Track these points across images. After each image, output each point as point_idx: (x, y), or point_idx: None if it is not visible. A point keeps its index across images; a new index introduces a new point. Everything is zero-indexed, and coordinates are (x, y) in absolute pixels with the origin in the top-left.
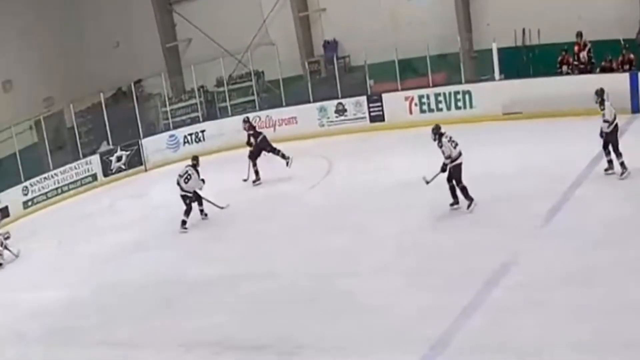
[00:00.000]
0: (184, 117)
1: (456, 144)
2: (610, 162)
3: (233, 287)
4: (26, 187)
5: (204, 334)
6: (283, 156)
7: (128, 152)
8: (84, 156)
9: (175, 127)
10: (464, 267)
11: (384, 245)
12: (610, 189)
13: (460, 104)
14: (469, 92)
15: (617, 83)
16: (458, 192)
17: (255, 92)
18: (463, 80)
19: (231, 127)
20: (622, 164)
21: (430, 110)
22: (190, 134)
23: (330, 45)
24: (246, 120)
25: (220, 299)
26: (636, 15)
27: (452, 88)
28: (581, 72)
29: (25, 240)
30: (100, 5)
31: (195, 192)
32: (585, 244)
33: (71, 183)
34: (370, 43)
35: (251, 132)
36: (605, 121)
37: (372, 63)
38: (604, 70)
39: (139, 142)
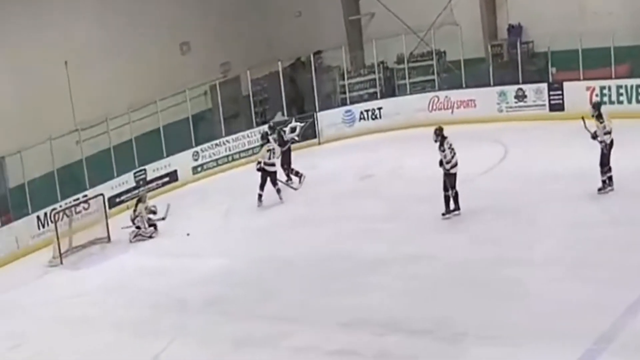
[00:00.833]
0: (361, 92)
1: (455, 153)
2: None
3: (396, 268)
4: (197, 152)
5: (364, 314)
6: (297, 174)
7: (302, 124)
8: (257, 125)
9: (352, 102)
10: (632, 262)
11: (551, 235)
12: None
13: None
14: None
15: None
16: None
17: (435, 72)
18: None
19: (409, 106)
20: (610, 178)
21: (611, 102)
22: (367, 110)
23: (515, 30)
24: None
25: (382, 278)
26: None
27: (636, 81)
28: None
29: (192, 207)
30: None
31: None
32: None
33: (242, 151)
34: (554, 30)
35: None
36: (606, 133)
37: (555, 50)
38: None
39: (314, 115)
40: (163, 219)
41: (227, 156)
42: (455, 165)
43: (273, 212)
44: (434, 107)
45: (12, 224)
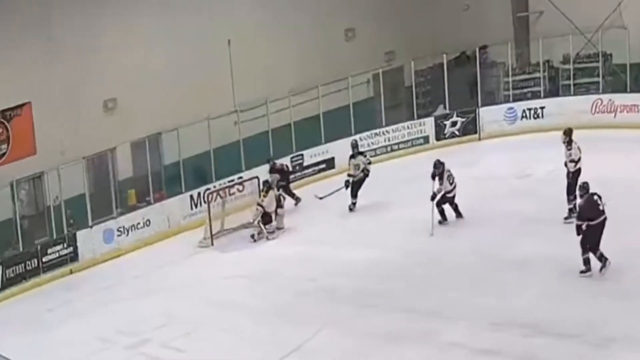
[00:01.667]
0: (524, 90)
1: (453, 179)
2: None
3: (546, 269)
4: (355, 140)
5: (511, 314)
6: (294, 196)
7: (464, 119)
8: (419, 117)
9: (515, 100)
10: None
11: None
12: None
13: None
14: None
15: None
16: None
17: (600, 74)
18: None
19: (571, 107)
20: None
21: None
22: (529, 109)
23: None
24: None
25: (531, 279)
26: None
27: None
28: None
29: (346, 195)
30: None
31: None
32: None
33: (402, 142)
34: None
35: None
36: (571, 161)
37: None
38: None
39: (476, 110)
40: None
41: (386, 146)
42: (450, 191)
43: (426, 206)
44: (597, 109)
45: (165, 201)
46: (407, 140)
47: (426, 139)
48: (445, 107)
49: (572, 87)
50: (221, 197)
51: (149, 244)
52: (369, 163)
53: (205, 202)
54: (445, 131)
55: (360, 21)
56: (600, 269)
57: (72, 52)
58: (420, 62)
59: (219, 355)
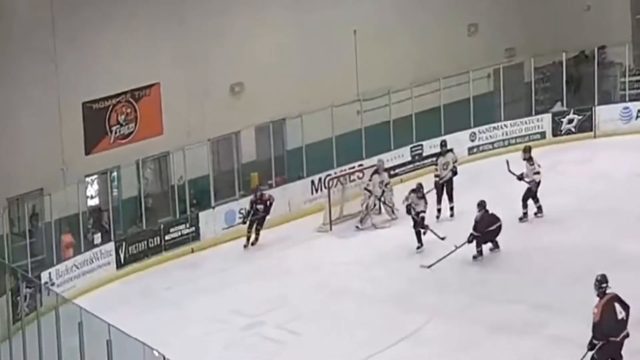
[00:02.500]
0: None
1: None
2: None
3: None
4: (474, 133)
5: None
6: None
7: (580, 117)
8: (537, 113)
9: (630, 100)
10: None
11: None
12: None
13: None
14: None
15: None
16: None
17: None
18: None
19: None
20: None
21: None
22: None
23: None
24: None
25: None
26: None
27: None
28: None
29: (464, 187)
30: None
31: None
32: None
33: (519, 137)
34: None
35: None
36: (536, 173)
37: None
38: None
39: (593, 109)
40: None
41: (504, 140)
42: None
43: (542, 200)
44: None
45: (286, 185)
46: (525, 135)
47: (543, 135)
48: (562, 104)
49: None
50: (341, 184)
51: (269, 227)
52: (456, 161)
53: (325, 187)
54: (562, 128)
55: (483, 17)
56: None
57: (203, 36)
58: (540, 59)
59: (331, 339)
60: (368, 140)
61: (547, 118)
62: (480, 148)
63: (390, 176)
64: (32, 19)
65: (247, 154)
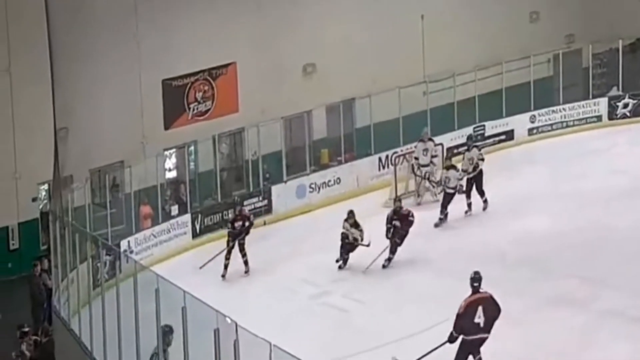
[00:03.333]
0: None
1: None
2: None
3: None
4: (534, 115)
5: None
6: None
7: (635, 101)
8: (593, 97)
9: None
10: None
11: None
12: None
13: None
14: None
15: None
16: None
17: None
18: None
19: None
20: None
21: None
22: None
23: None
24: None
25: None
26: None
27: None
28: None
29: (523, 165)
30: None
31: None
32: None
33: (576, 120)
34: None
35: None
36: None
37: None
38: None
39: None
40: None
41: (562, 122)
42: None
43: (600, 178)
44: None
45: (354, 162)
46: (582, 118)
47: (599, 118)
48: (618, 89)
49: None
50: (407, 161)
51: (337, 201)
52: (482, 159)
53: (392, 164)
54: (617, 112)
55: (545, 5)
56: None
57: (278, 19)
58: (597, 45)
59: (396, 309)
60: (433, 120)
61: (603, 102)
62: (540, 129)
63: (453, 155)
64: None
65: (318, 132)
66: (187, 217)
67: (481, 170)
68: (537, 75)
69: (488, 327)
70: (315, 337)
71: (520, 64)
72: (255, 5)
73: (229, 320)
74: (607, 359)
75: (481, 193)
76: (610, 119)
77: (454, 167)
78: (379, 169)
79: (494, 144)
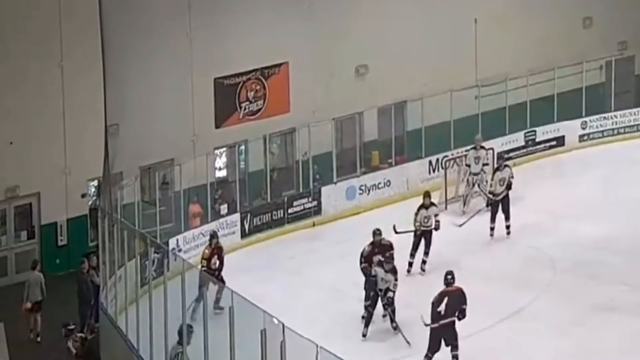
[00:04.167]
0: None
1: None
2: None
3: None
4: (585, 122)
5: None
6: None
7: None
8: None
9: None
10: None
11: None
12: None
13: None
14: None
15: None
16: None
17: None
18: None
19: None
20: None
21: None
22: None
23: None
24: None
25: None
26: None
27: None
28: None
29: (575, 172)
30: None
31: None
32: None
33: (628, 127)
34: None
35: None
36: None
37: None
38: None
39: None
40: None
41: (613, 129)
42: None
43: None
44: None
45: (405, 164)
46: (633, 125)
47: None
48: None
49: None
50: (457, 165)
51: (387, 204)
52: (513, 177)
53: (442, 168)
54: None
55: (598, 11)
56: None
57: (331, 19)
58: None
59: None
60: (484, 124)
61: None
62: (591, 136)
63: (506, 159)
64: None
65: (368, 133)
66: (236, 217)
67: (510, 187)
68: (589, 82)
69: (449, 315)
70: (362, 341)
71: (572, 70)
72: (307, 4)
73: (275, 321)
74: None
75: (507, 216)
76: None
77: (433, 204)
78: (429, 172)
79: (544, 149)
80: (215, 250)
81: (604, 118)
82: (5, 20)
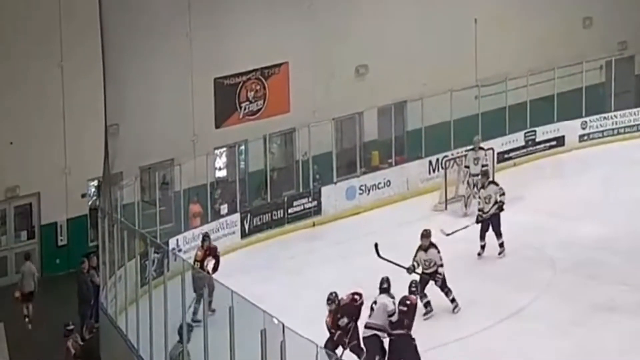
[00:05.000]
0: None
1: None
2: None
3: None
4: (585, 122)
5: None
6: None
7: None
8: None
9: None
10: None
11: None
12: None
13: None
14: None
15: None
16: None
17: None
18: None
19: None
20: None
21: None
22: None
23: None
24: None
25: None
26: None
27: None
28: None
29: (575, 173)
30: None
31: None
32: None
33: (628, 127)
34: None
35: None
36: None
37: None
38: None
39: None
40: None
41: (613, 129)
42: None
43: None
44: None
45: (405, 164)
46: (633, 125)
47: None
48: None
49: None
50: (457, 165)
51: (387, 204)
52: (503, 194)
53: (442, 168)
54: None
55: (598, 11)
56: None
57: (331, 19)
58: None
59: (444, 313)
60: (484, 125)
61: None
62: (591, 136)
63: (504, 159)
64: None
65: (368, 133)
66: (236, 217)
67: (502, 208)
68: (589, 82)
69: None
70: None
71: (572, 70)
72: (307, 4)
73: (275, 321)
74: None
75: (498, 234)
76: None
77: (433, 245)
78: (429, 172)
79: (544, 149)
80: (208, 251)
81: (604, 118)
82: (5, 20)
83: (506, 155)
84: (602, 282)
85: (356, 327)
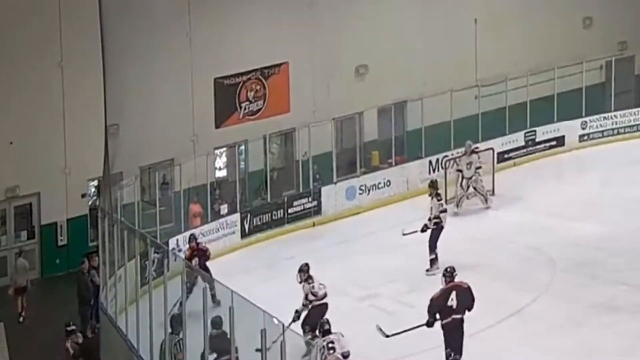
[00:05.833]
0: None
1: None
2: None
3: None
4: (585, 122)
5: None
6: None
7: None
8: None
9: None
10: None
11: None
12: None
13: None
14: None
15: None
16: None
17: None
18: None
19: None
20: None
21: None
22: None
23: None
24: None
25: None
26: None
27: None
28: None
29: (573, 172)
30: None
31: None
32: None
33: (628, 127)
34: None
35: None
36: (442, 211)
37: None
38: None
39: None
40: None
41: (613, 129)
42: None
43: None
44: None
45: (405, 164)
46: (633, 125)
47: None
48: None
49: None
50: (457, 165)
51: (387, 204)
52: (443, 211)
53: (442, 168)
54: None
55: (598, 11)
56: None
57: (331, 20)
58: None
59: None
60: (484, 124)
61: None
62: (591, 136)
63: (505, 159)
64: None
65: (369, 133)
66: (236, 217)
67: (441, 226)
68: (589, 82)
69: (461, 310)
70: (363, 339)
71: (572, 70)
72: (307, 4)
73: (275, 322)
74: None
75: (430, 249)
76: None
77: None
78: (429, 172)
79: (544, 149)
80: (196, 252)
81: (604, 118)
82: (6, 21)
83: (506, 155)
84: (602, 282)
85: None
